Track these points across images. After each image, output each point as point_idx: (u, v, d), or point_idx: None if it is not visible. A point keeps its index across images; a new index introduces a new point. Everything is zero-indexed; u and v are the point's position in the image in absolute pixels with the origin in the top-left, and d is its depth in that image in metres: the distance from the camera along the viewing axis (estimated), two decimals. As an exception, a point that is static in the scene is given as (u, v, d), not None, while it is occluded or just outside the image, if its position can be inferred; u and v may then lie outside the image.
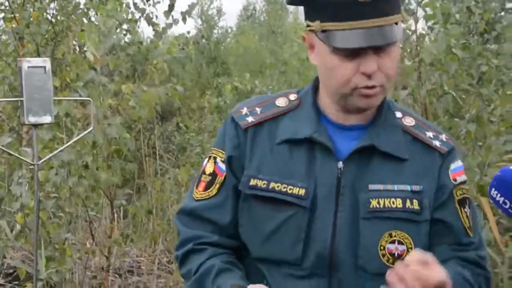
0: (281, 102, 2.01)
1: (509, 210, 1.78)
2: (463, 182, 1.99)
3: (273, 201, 1.91)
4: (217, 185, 1.99)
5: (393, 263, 1.82)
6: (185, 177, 6.36)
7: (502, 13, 6.91)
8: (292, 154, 1.93)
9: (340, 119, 1.95)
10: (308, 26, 1.90)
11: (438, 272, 1.69)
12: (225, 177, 1.98)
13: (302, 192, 1.89)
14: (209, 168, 2.01)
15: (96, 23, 5.56)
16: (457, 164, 1.99)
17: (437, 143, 1.97)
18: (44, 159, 4.57)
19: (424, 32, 5.56)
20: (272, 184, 1.91)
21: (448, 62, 5.01)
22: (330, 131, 1.94)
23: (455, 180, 1.97)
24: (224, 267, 1.91)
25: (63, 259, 5.24)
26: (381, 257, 1.87)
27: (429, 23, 5.52)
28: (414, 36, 5.39)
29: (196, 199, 2.01)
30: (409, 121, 2.00)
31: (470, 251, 1.96)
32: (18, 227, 5.36)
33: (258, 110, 2.00)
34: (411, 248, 1.87)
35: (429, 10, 5.43)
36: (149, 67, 6.01)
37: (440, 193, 1.94)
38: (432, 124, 2.08)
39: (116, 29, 5.67)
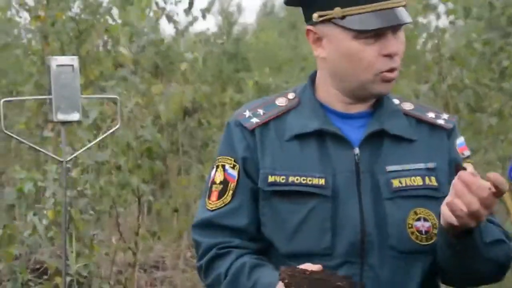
0: (281, 101, 2.03)
1: None
2: (469, 156, 2.00)
3: (294, 195, 1.92)
4: (230, 192, 1.98)
5: (421, 240, 1.91)
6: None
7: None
8: (303, 148, 1.95)
9: (343, 108, 2.00)
10: (320, 16, 1.92)
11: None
12: (237, 182, 1.98)
13: (322, 181, 1.91)
14: (219, 177, 2.00)
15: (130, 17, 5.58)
16: (461, 139, 1.99)
17: (441, 121, 2.03)
18: (73, 156, 4.65)
19: (445, 27, 5.58)
20: (291, 178, 1.92)
21: (468, 56, 5.03)
22: (335, 121, 1.98)
23: (462, 154, 1.98)
24: (256, 262, 1.92)
25: (91, 255, 5.32)
26: (410, 234, 1.91)
27: (450, 18, 5.54)
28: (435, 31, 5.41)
29: (211, 209, 1.99)
30: (408, 106, 2.05)
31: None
32: (44, 221, 5.42)
33: (260, 111, 2.01)
34: (436, 224, 1.92)
35: (450, 6, 5.45)
36: (177, 68, 6.04)
37: (453, 168, 1.98)
38: (430, 106, 2.14)
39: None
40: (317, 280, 1.75)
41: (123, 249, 6.09)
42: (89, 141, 5.05)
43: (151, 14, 5.89)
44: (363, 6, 1.87)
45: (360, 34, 1.88)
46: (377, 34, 1.88)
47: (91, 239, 5.35)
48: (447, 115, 2.07)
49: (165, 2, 7.01)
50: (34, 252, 5.96)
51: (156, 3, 6.91)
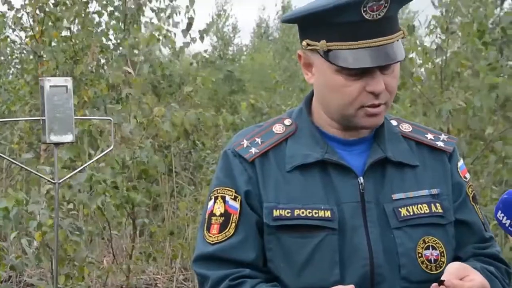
0: (278, 128, 1.98)
1: None
2: (470, 179, 2.03)
3: (301, 229, 1.86)
4: (233, 224, 1.90)
5: (431, 270, 1.87)
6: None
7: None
8: (306, 179, 1.90)
9: (342, 135, 1.94)
10: (308, 45, 1.88)
11: (476, 278, 1.75)
12: (240, 214, 1.90)
13: (328, 214, 1.85)
14: (219, 209, 1.93)
15: (139, 37, 5.57)
16: (461, 162, 2.03)
17: (440, 143, 2.00)
18: (66, 178, 4.57)
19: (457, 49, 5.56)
20: (296, 212, 1.86)
21: (492, 83, 4.98)
22: (336, 148, 1.93)
23: (465, 177, 2.01)
24: None
25: (81, 277, 5.24)
26: (421, 264, 1.87)
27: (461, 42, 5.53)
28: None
29: (213, 242, 1.91)
30: (406, 127, 2.02)
31: (491, 247, 1.99)
32: (35, 244, 5.36)
33: (258, 140, 1.96)
34: (443, 252, 1.89)
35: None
36: (185, 94, 6.01)
37: (457, 193, 1.97)
38: (427, 127, 2.10)
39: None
40: None
41: (115, 271, 6.01)
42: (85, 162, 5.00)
43: (168, 41, 5.85)
44: (347, 43, 1.81)
45: (343, 70, 1.82)
46: (362, 71, 1.82)
47: (83, 261, 5.27)
48: (446, 136, 2.04)
49: (164, 23, 7.00)
50: (23, 274, 5.90)
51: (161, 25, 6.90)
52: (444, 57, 5.40)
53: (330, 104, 1.90)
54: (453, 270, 1.76)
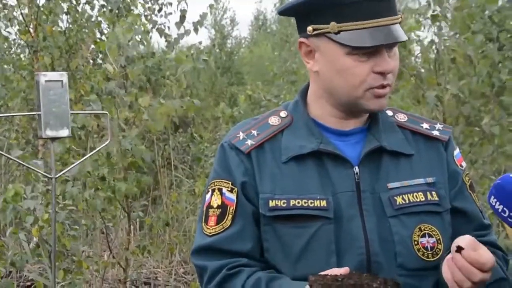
0: (274, 120, 2.00)
1: (509, 219, 1.77)
2: (466, 168, 2.05)
3: (297, 218, 1.87)
4: (230, 216, 1.93)
5: (428, 257, 1.88)
6: (202, 188, 6.34)
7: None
8: (301, 170, 1.91)
9: (337, 125, 1.96)
10: (315, 30, 1.88)
11: (487, 253, 1.73)
12: (236, 206, 1.93)
13: (323, 203, 1.87)
14: (216, 201, 1.95)
15: (116, 33, 5.53)
16: (457, 150, 2.05)
17: (436, 132, 2.01)
18: (62, 173, 4.56)
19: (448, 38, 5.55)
20: (292, 202, 1.88)
21: (482, 66, 4.97)
22: (331, 139, 1.94)
23: (461, 166, 2.02)
24: (271, 276, 1.87)
25: (80, 272, 5.24)
26: (417, 251, 1.88)
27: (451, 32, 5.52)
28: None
29: (210, 234, 1.93)
30: (402, 117, 2.03)
31: (489, 234, 2.01)
32: (35, 239, 5.36)
33: (254, 132, 1.98)
34: (440, 240, 1.90)
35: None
36: (167, 81, 5.98)
37: (453, 181, 1.98)
38: (422, 116, 2.11)
39: (129, 41, 5.66)
40: (352, 286, 1.70)
41: (113, 265, 6.01)
42: (73, 156, 4.96)
43: (141, 27, 5.81)
44: (359, 23, 1.83)
45: (354, 50, 1.84)
46: (371, 51, 1.84)
47: (79, 255, 5.27)
48: (441, 125, 2.05)
49: (155, 15, 6.98)
50: (23, 269, 5.90)
51: (146, 16, 6.86)
52: (439, 46, 5.39)
53: (337, 89, 1.91)
54: (466, 242, 1.74)
